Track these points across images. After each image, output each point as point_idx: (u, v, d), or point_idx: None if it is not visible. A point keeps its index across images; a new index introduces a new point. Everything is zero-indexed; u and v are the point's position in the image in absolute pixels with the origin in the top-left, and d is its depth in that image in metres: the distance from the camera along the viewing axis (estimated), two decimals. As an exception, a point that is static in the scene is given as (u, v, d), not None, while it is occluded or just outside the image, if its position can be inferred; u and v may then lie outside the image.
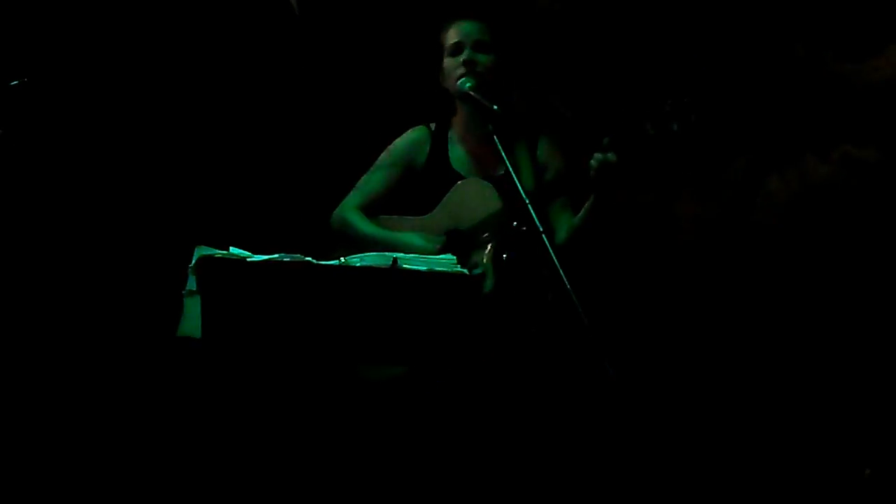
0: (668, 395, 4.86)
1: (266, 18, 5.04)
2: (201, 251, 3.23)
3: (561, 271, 3.47)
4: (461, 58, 4.29)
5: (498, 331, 4.10)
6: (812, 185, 4.97)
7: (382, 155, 4.43)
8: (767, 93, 5.02)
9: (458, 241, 4.24)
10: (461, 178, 4.34)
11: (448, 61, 4.34)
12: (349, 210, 4.36)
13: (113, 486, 4.79)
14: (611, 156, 4.11)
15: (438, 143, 4.40)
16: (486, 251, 4.18)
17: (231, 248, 3.27)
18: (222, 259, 3.22)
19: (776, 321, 4.94)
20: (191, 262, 3.23)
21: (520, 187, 3.67)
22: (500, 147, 3.76)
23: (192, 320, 3.27)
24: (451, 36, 4.34)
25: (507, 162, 3.74)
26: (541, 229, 3.57)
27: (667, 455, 4.74)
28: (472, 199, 4.28)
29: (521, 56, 5.12)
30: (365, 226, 4.31)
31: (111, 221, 4.97)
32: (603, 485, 4.79)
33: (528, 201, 3.67)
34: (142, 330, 4.83)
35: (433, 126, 4.43)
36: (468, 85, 4.11)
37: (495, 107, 3.85)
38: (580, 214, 4.29)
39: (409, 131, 4.45)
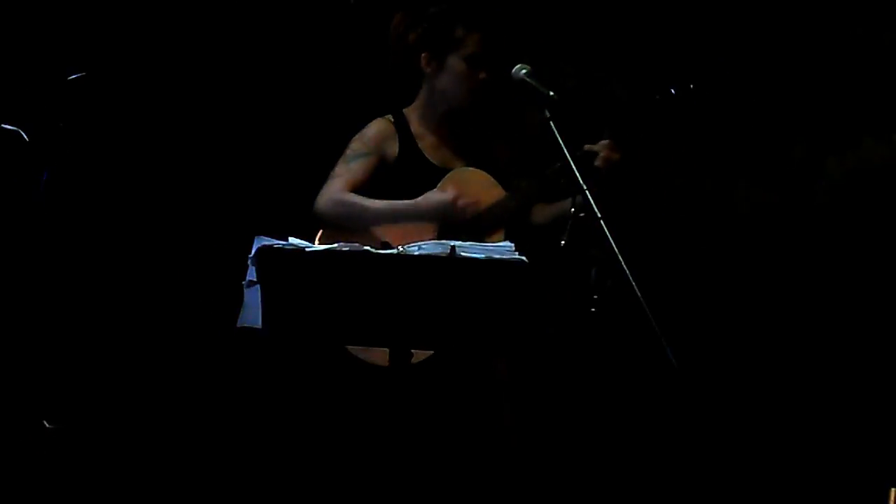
0: (729, 386, 4.85)
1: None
2: (261, 241, 3.24)
3: (621, 258, 3.45)
4: (480, 72, 4.25)
5: (556, 315, 4.10)
6: (871, 168, 4.93)
7: (354, 145, 4.31)
8: (826, 75, 4.99)
9: (460, 226, 4.20)
10: (436, 168, 4.30)
11: (461, 64, 4.25)
12: (341, 192, 4.24)
13: (176, 473, 4.84)
14: (615, 155, 4.12)
15: (404, 134, 4.33)
16: (499, 237, 4.16)
17: (290, 239, 3.28)
18: (281, 249, 3.23)
19: (835, 306, 4.91)
20: (251, 252, 3.24)
21: (577, 174, 3.66)
22: (556, 133, 3.74)
23: (252, 310, 3.29)
24: (475, 44, 4.23)
25: (564, 148, 3.72)
26: (599, 216, 3.55)
27: (731, 446, 4.73)
28: (474, 186, 4.24)
29: (578, 43, 5.12)
30: (371, 203, 4.21)
31: (173, 213, 5.00)
32: (664, 475, 4.78)
33: (585, 188, 3.65)
34: (204, 320, 4.87)
35: (391, 118, 4.36)
36: (524, 71, 4.07)
37: (552, 93, 3.82)
38: (574, 202, 4.23)
39: (373, 123, 4.35)
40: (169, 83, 5.00)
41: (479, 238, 4.14)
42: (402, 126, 4.34)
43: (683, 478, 4.78)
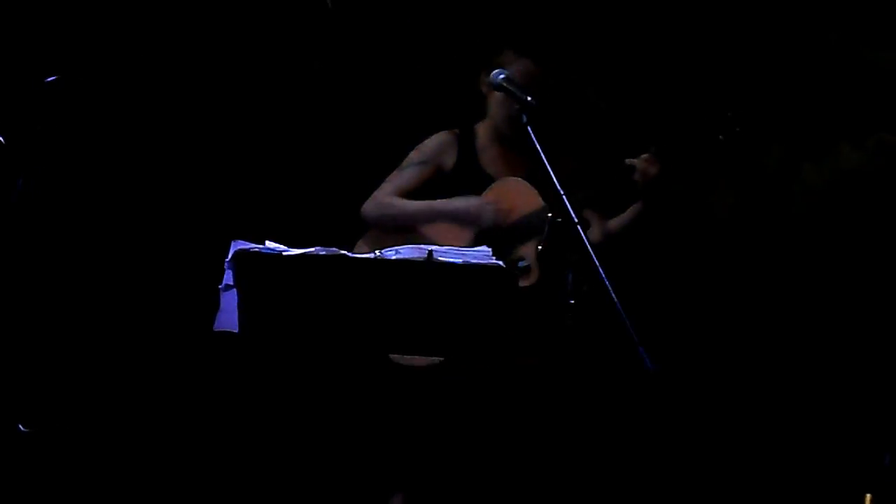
0: (706, 389, 4.86)
1: (297, 17, 5.05)
2: (237, 245, 3.24)
3: (597, 262, 3.46)
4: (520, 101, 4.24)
5: (534, 322, 4.10)
6: (847, 173, 4.95)
7: (412, 154, 4.43)
8: (801, 81, 5.00)
9: (497, 234, 4.24)
10: (491, 178, 4.35)
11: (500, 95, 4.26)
12: (387, 196, 4.36)
13: (151, 480, 4.82)
14: (653, 169, 4.16)
15: (465, 147, 4.41)
16: (534, 245, 4.18)
17: (266, 242, 3.28)
18: (258, 253, 3.23)
19: (813, 310, 4.93)
20: (227, 256, 3.24)
21: (554, 178, 3.66)
22: (533, 138, 3.75)
23: (228, 314, 3.28)
24: (516, 71, 4.18)
25: (540, 153, 3.72)
26: (576, 220, 3.56)
27: (706, 449, 4.74)
28: (512, 195, 4.28)
29: (556, 48, 5.13)
30: (409, 203, 4.32)
31: (150, 217, 4.99)
32: (641, 479, 4.78)
33: (562, 192, 3.66)
34: (180, 324, 4.86)
35: (458, 131, 4.44)
36: (501, 77, 4.08)
37: (529, 98, 3.83)
38: (621, 219, 4.34)
39: (436, 135, 4.45)
40: (145, 87, 4.99)
41: (514, 245, 4.17)
42: (466, 139, 4.42)
43: (658, 481, 4.79)
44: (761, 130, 5.03)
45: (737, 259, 5.03)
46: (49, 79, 4.44)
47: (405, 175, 4.39)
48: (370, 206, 4.38)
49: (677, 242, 5.07)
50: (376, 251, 3.27)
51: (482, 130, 4.46)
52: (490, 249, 3.27)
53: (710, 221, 5.08)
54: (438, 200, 4.30)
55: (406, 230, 4.24)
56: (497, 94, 4.32)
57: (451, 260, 3.22)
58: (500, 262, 3.22)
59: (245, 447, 4.88)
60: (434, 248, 3.24)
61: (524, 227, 4.26)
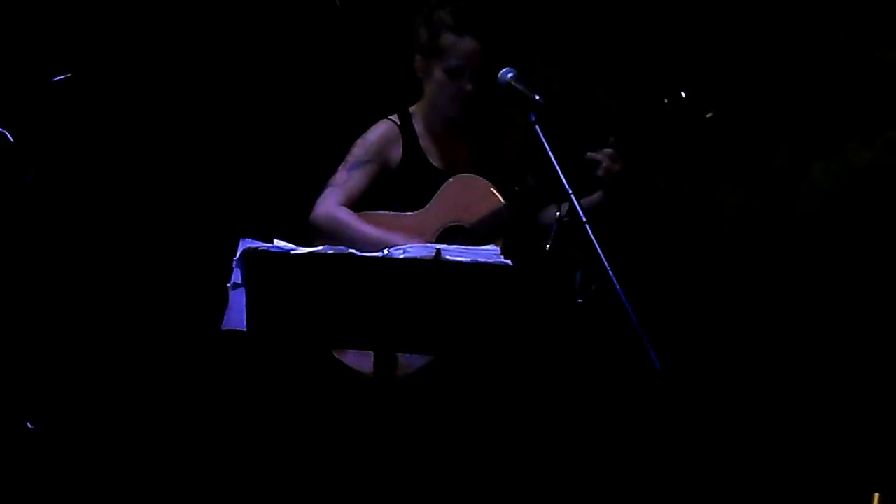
0: (714, 388, 4.85)
1: (305, 15, 5.06)
2: (246, 244, 3.24)
3: (605, 262, 3.45)
4: (463, 84, 4.18)
5: (541, 321, 4.10)
6: (855, 172, 4.95)
7: (355, 151, 4.28)
8: (810, 80, 5.00)
9: (457, 236, 4.19)
10: (439, 172, 4.27)
11: (442, 76, 4.19)
12: (336, 208, 4.21)
13: (158, 479, 4.83)
14: (616, 166, 4.06)
15: (408, 137, 4.29)
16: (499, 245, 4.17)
17: (275, 241, 3.28)
18: (266, 252, 3.23)
19: (821, 309, 4.92)
20: (235, 254, 3.24)
21: (563, 179, 3.65)
22: (542, 139, 3.73)
23: (236, 313, 3.29)
24: (455, 54, 4.17)
25: (549, 152, 3.71)
26: (584, 220, 3.55)
27: (714, 448, 4.73)
28: (469, 193, 4.22)
29: (562, 46, 5.12)
30: (362, 226, 4.18)
31: (158, 215, 4.99)
32: (651, 479, 4.78)
33: (571, 192, 3.64)
34: (188, 323, 4.86)
35: (396, 118, 4.31)
36: (510, 76, 4.06)
37: (538, 97, 3.81)
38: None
39: (376, 126, 4.31)
40: (154, 84, 4.99)
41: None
42: (406, 127, 4.30)
43: (666, 480, 4.78)
44: (769, 129, 5.03)
45: (745, 258, 5.02)
46: (57, 78, 4.45)
47: (353, 179, 4.24)
48: (320, 216, 4.22)
49: (685, 241, 5.07)
50: (385, 250, 3.27)
51: (419, 116, 4.32)
52: (498, 249, 3.26)
53: (718, 220, 5.07)
54: (392, 234, 4.13)
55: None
56: (439, 76, 4.21)
57: (460, 259, 3.22)
58: (509, 262, 3.22)
59: (253, 446, 4.88)
60: (442, 246, 3.24)
61: (484, 227, 4.17)
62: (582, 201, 4.10)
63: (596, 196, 4.19)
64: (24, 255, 4.59)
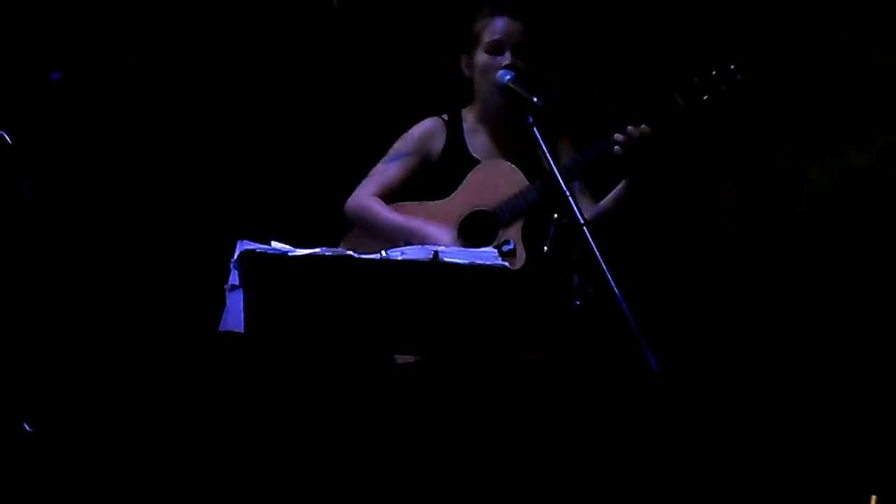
0: (711, 391, 4.86)
1: (302, 15, 5.06)
2: (243, 245, 3.24)
3: (603, 264, 3.45)
4: (502, 60, 4.24)
5: (539, 322, 4.10)
6: (853, 175, 4.95)
7: (397, 144, 4.36)
8: (809, 82, 5.00)
9: (481, 220, 4.21)
10: (477, 162, 4.30)
11: (484, 57, 4.29)
12: (367, 198, 4.29)
13: (156, 480, 4.83)
14: (644, 127, 4.06)
15: (453, 132, 4.35)
16: (518, 227, 4.17)
17: (272, 243, 3.28)
18: (264, 253, 3.23)
19: (819, 312, 4.92)
20: (233, 256, 3.24)
21: (560, 181, 3.65)
22: (539, 140, 3.73)
23: (234, 315, 3.29)
24: (491, 32, 4.27)
25: (546, 154, 3.71)
26: (582, 221, 3.54)
27: (712, 450, 4.73)
28: (495, 178, 4.25)
29: (561, 49, 5.12)
30: (388, 213, 4.25)
31: (156, 217, 4.99)
32: (649, 481, 4.78)
33: (568, 194, 3.64)
34: (186, 325, 4.86)
35: (445, 117, 4.38)
36: (507, 77, 4.09)
37: (535, 99, 3.82)
38: (608, 199, 4.25)
39: (422, 122, 4.38)
40: (152, 85, 4.99)
41: (498, 228, 4.17)
42: (454, 122, 4.36)
43: (664, 483, 4.78)
44: (768, 130, 5.03)
45: (743, 260, 5.02)
46: (54, 76, 4.45)
47: (389, 170, 4.32)
48: (353, 205, 4.30)
49: (683, 243, 5.07)
50: (382, 251, 3.27)
51: (470, 115, 4.39)
52: (496, 251, 3.27)
53: (716, 222, 5.07)
54: (414, 221, 4.23)
55: (382, 239, 4.18)
56: (481, 60, 4.26)
57: (457, 260, 3.22)
58: (507, 264, 3.22)
59: (250, 448, 4.88)
60: (440, 248, 3.24)
61: (508, 209, 4.21)
62: (606, 197, 4.17)
63: (620, 187, 4.21)
64: (22, 256, 4.58)
